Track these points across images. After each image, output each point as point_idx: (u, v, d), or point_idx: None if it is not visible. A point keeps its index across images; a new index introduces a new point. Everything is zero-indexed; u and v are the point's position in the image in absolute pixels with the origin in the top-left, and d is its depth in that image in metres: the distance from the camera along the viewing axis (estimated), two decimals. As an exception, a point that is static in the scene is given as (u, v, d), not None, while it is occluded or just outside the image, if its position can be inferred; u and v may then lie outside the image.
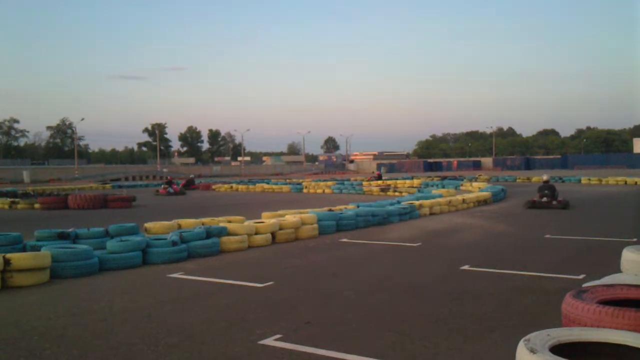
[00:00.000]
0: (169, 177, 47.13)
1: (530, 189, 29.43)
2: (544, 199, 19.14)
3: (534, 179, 44.18)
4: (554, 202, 18.92)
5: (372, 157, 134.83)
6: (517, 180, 44.53)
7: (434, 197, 20.64)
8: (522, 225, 14.93)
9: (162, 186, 34.88)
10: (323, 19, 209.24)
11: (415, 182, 37.37)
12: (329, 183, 36.70)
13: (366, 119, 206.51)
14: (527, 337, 3.16)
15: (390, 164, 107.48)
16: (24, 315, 6.33)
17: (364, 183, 35.53)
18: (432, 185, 34.06)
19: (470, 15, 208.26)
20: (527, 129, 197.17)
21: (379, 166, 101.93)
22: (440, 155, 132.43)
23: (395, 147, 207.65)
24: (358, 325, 5.65)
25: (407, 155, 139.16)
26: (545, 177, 21.08)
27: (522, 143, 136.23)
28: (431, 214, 17.71)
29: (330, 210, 14.67)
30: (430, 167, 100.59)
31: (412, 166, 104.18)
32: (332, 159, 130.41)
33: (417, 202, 17.64)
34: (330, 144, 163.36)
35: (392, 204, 17.19)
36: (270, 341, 5.07)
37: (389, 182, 36.28)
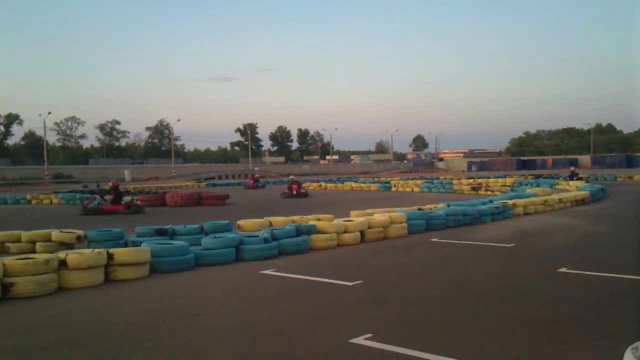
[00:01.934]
0: (256, 175, 48.46)
1: (632, 187, 27.78)
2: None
3: (636, 177, 41.66)
4: None
5: (462, 155, 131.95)
6: (618, 179, 42.11)
7: (528, 196, 19.91)
8: (623, 226, 14.11)
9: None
10: (409, 21, 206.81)
11: (508, 180, 36.22)
12: (418, 182, 36.25)
13: (456, 116, 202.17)
14: (634, 345, 2.98)
15: (481, 162, 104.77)
16: (126, 307, 6.69)
17: (454, 182, 34.81)
18: (526, 184, 32.77)
19: (566, 9, 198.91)
20: (628, 125, 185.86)
21: (469, 164, 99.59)
22: (534, 152, 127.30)
23: (487, 144, 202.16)
24: (449, 326, 5.55)
25: (499, 153, 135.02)
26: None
27: (622, 140, 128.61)
28: (525, 213, 17.07)
29: (419, 209, 14.49)
30: (524, 165, 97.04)
31: (504, 164, 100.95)
32: (420, 157, 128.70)
33: (510, 202, 17.07)
34: (419, 142, 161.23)
35: (484, 203, 16.73)
36: (360, 340, 5.07)
37: (480, 180, 35.36)
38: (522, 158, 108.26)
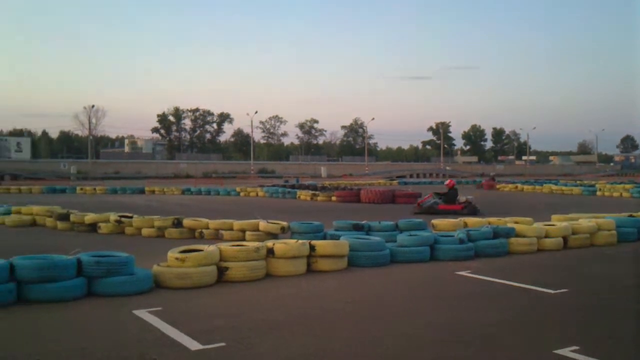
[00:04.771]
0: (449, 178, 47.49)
1: None
2: None
3: None
4: None
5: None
6: None
7: None
8: None
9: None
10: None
11: None
12: (627, 186, 32.94)
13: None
14: None
15: None
16: (328, 295, 7.05)
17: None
18: None
19: None
20: None
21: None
22: None
23: None
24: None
25: None
26: None
27: None
28: None
29: (630, 216, 13.19)
30: None
31: None
32: (630, 160, 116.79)
33: None
34: (628, 143, 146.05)
35: None
36: (566, 352, 4.78)
37: None
38: None
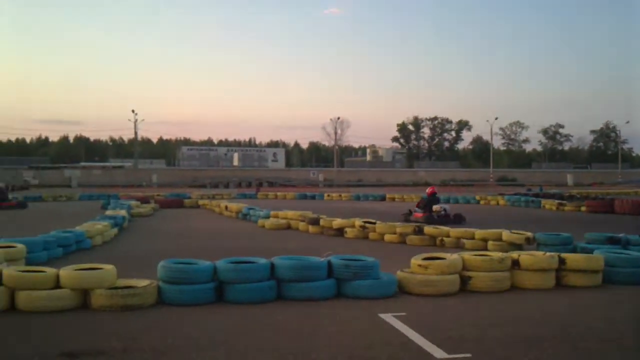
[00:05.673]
0: None
1: None
2: None
3: None
4: None
5: None
6: None
7: None
8: None
9: None
10: None
11: None
12: None
13: None
14: None
15: None
16: (580, 313, 6.55)
17: None
18: None
19: None
20: None
21: None
22: None
23: None
24: None
25: None
26: None
27: None
28: None
29: None
30: None
31: None
32: None
33: None
34: None
35: None
36: None
37: None
38: None
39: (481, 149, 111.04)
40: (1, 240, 9.59)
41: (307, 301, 6.84)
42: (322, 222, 15.04)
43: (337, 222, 14.62)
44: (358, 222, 14.17)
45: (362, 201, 34.92)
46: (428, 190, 19.06)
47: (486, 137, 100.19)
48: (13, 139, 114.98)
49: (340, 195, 37.74)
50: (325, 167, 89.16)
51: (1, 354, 4.89)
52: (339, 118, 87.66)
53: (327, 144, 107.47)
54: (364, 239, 13.70)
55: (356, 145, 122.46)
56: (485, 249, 11.18)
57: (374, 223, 13.89)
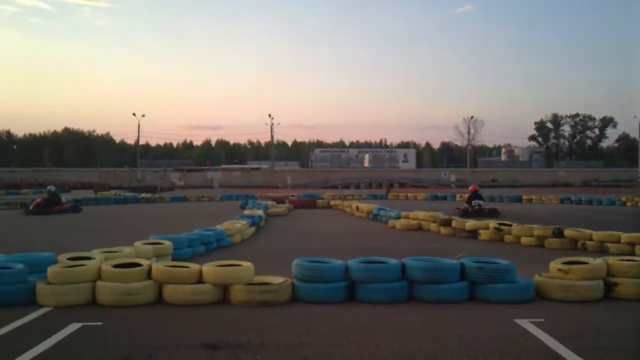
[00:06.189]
0: None
1: None
2: None
3: None
4: None
5: None
6: None
7: None
8: None
9: None
10: None
11: None
12: None
13: None
14: None
15: None
16: None
17: None
18: None
19: None
20: None
21: None
22: None
23: None
24: None
25: None
26: None
27: None
28: None
29: None
30: None
31: None
32: None
33: None
34: None
35: None
36: None
37: None
38: None
39: (628, 146, 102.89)
40: (152, 237, 10.43)
41: (438, 303, 6.77)
42: (454, 224, 14.74)
43: (470, 223, 14.26)
44: (492, 223, 13.72)
45: (496, 202, 33.66)
46: (470, 188, 21.80)
47: (634, 134, 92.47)
48: (162, 143, 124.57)
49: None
50: (458, 168, 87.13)
51: (149, 342, 5.32)
52: (472, 117, 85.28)
53: (459, 143, 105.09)
54: (499, 241, 13.22)
55: (490, 145, 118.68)
56: (632, 253, 10.39)
57: (510, 225, 13.37)
